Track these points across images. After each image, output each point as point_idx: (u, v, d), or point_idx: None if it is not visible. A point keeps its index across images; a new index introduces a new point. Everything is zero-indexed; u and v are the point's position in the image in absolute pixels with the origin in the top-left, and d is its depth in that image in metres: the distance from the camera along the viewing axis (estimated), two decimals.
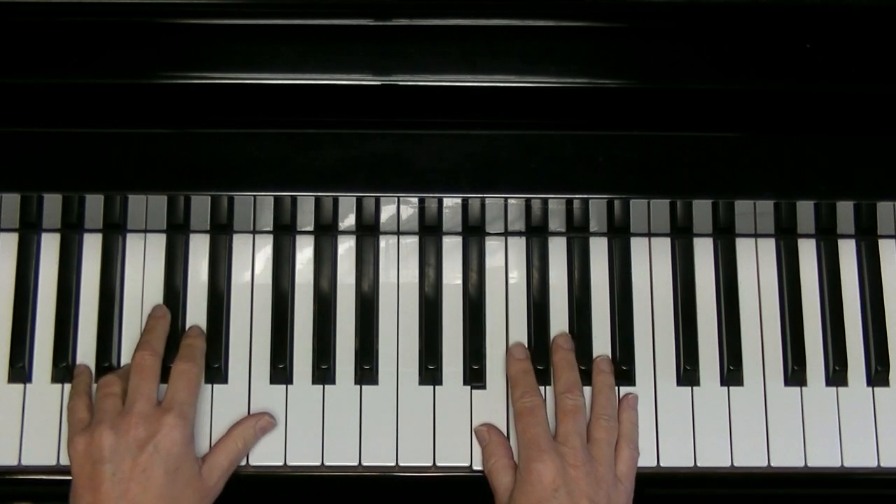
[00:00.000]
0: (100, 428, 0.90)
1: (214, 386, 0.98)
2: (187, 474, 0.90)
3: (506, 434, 0.97)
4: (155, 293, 1.00)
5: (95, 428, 0.90)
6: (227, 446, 0.95)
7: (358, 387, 0.99)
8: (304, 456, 0.97)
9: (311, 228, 1.02)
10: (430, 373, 0.99)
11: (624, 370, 0.99)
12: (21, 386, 0.98)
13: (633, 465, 0.95)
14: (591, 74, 0.95)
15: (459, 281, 1.02)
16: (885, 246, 1.03)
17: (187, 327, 1.00)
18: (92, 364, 0.98)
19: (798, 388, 1.00)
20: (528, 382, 0.96)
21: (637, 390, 0.99)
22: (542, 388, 0.98)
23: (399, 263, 1.02)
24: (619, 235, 1.02)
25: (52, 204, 0.98)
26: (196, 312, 1.00)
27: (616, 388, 0.99)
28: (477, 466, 0.97)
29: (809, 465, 0.98)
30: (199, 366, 0.96)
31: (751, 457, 0.98)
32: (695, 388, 0.99)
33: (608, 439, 0.94)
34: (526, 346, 1.00)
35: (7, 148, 0.93)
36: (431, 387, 0.99)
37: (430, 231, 1.02)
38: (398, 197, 0.96)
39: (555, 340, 0.99)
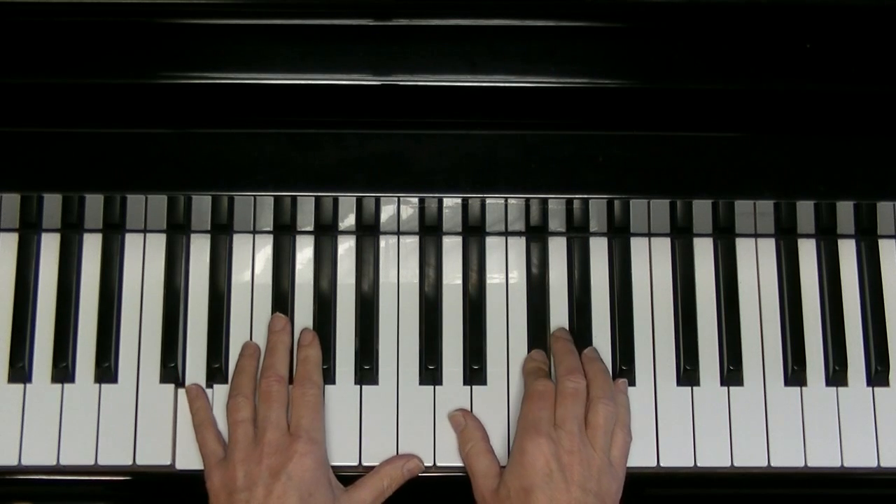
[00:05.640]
0: (233, 460, 0.92)
1: (215, 386, 0.98)
2: (321, 500, 0.91)
3: (506, 435, 0.97)
4: (155, 293, 1.00)
5: (230, 460, 0.92)
6: (374, 483, 0.95)
7: (358, 387, 0.99)
8: None
9: (311, 228, 1.02)
10: (430, 373, 0.99)
11: (624, 370, 0.99)
12: (21, 386, 0.98)
13: (626, 450, 0.95)
14: (591, 74, 0.95)
15: (459, 281, 1.02)
16: (885, 246, 1.03)
17: (187, 328, 1.00)
18: (91, 364, 0.98)
19: (798, 388, 1.00)
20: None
21: (637, 390, 0.99)
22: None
23: (399, 263, 1.02)
24: (619, 235, 1.02)
25: (52, 204, 0.98)
26: (196, 313, 1.00)
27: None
28: None
29: (809, 465, 0.98)
30: (318, 383, 0.96)
31: (751, 457, 0.98)
32: (695, 388, 0.99)
33: (605, 426, 0.93)
34: (526, 344, 1.00)
35: (7, 148, 0.93)
36: (431, 387, 0.99)
37: (430, 231, 1.02)
38: (398, 197, 0.96)
39: (554, 333, 1.00)
